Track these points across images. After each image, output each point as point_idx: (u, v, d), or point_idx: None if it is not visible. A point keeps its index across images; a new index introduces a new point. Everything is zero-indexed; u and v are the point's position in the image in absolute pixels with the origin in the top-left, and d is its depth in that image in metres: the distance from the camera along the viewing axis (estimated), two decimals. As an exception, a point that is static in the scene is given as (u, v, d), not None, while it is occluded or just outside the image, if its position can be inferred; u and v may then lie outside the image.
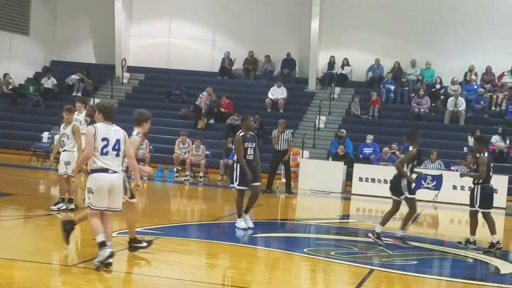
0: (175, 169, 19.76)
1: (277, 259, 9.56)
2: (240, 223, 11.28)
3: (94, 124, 7.96)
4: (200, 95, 24.12)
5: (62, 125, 12.17)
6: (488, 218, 10.74)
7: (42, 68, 28.50)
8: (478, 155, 10.83)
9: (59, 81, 26.75)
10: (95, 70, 28.04)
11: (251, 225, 11.35)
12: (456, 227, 15.82)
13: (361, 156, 20.88)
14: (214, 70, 27.52)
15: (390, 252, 10.21)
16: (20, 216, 11.72)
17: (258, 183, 11.53)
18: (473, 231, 10.85)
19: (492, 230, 10.70)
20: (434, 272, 9.46)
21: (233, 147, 11.75)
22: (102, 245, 7.68)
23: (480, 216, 10.77)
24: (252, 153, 11.33)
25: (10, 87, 26.23)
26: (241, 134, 11.35)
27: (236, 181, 11.25)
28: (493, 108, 24.35)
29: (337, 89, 25.86)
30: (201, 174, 19.58)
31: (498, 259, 10.47)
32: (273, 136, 18.25)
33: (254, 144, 11.44)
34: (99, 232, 7.74)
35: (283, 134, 17.97)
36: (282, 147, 17.89)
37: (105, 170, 7.73)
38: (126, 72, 27.77)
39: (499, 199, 18.01)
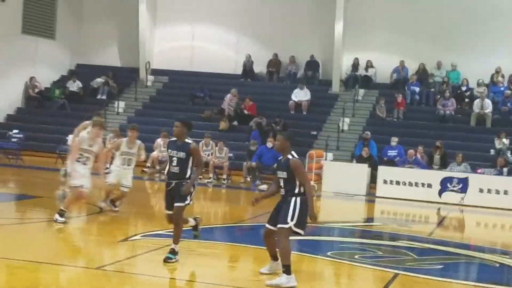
0: (199, 172, 19.76)
1: (301, 262, 9.50)
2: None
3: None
4: (225, 98, 24.19)
5: None
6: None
7: (68, 72, 28.73)
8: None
9: (85, 84, 26.98)
10: (120, 73, 28.21)
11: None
12: (482, 230, 15.63)
13: (385, 158, 20.73)
14: (237, 73, 27.54)
15: (415, 256, 10.11)
16: (45, 218, 11.80)
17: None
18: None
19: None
20: (459, 277, 9.34)
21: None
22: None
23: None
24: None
25: (36, 90, 26.48)
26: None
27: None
28: (520, 110, 24.03)
29: (361, 91, 25.70)
30: (224, 176, 19.60)
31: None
32: None
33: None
34: None
35: None
36: None
37: None
38: (150, 75, 27.89)
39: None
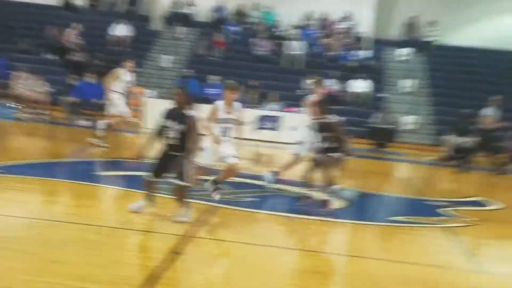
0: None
1: (120, 197, 9.76)
2: None
3: None
4: (65, 32, 23.23)
5: None
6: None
7: None
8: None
9: None
10: None
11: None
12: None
13: (205, 96, 21.27)
14: (55, 4, 26.45)
15: (232, 190, 10.72)
16: None
17: None
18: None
19: None
20: (267, 207, 10.15)
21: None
22: None
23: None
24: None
25: None
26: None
27: None
28: (329, 53, 25.64)
29: (182, 29, 25.90)
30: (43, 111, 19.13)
31: (330, 197, 11.35)
32: (488, 115, 15.75)
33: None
34: None
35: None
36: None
37: None
38: (-42, 1, 26.00)
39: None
